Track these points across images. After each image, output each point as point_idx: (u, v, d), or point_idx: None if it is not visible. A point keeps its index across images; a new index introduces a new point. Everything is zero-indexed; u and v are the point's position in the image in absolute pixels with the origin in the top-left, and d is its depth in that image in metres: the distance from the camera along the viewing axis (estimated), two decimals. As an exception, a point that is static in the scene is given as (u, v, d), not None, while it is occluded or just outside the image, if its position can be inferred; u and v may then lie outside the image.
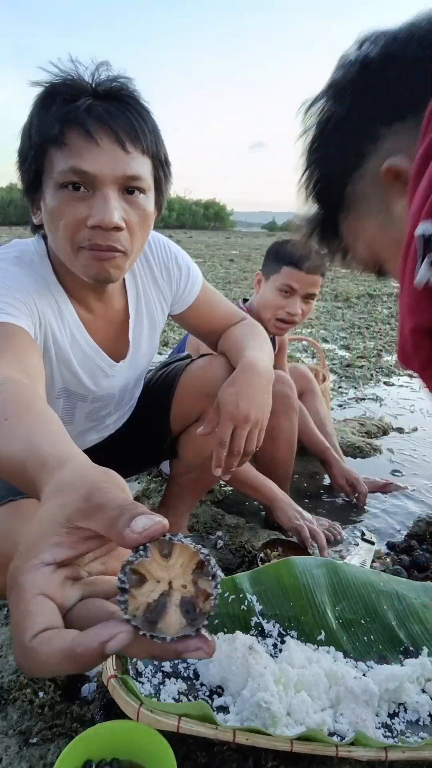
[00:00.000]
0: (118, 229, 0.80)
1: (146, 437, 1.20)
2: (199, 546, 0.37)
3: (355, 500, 1.82)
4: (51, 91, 0.79)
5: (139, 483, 1.81)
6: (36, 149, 0.79)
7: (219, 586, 0.36)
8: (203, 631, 0.36)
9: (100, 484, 0.39)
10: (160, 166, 0.87)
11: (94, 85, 0.80)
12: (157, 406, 1.18)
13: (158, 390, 1.21)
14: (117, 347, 1.07)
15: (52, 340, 0.94)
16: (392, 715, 0.94)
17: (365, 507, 1.81)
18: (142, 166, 0.81)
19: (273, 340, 1.89)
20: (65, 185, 0.78)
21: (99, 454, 1.15)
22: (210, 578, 0.37)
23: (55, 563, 0.36)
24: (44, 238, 0.94)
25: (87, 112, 0.76)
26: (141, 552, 0.36)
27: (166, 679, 0.93)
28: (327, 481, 1.97)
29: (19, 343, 0.76)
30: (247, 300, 1.84)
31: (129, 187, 0.81)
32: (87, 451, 1.02)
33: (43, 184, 0.81)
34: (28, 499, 0.79)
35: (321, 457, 1.89)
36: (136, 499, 1.73)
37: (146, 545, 0.36)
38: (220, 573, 0.37)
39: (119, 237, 0.82)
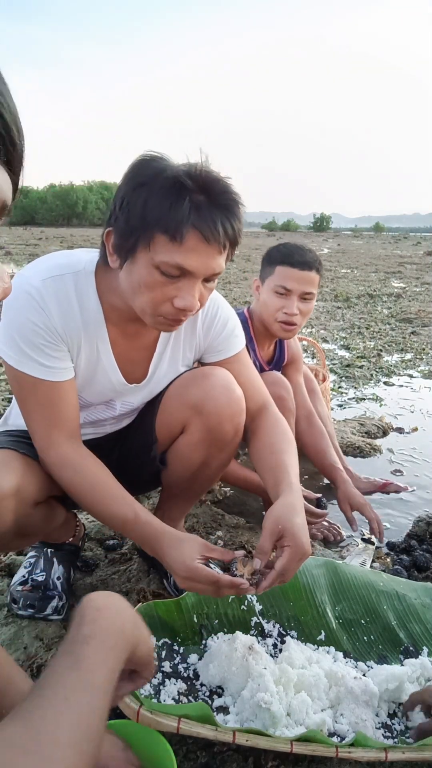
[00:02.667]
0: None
1: (135, 441, 1.21)
2: (251, 557, 0.92)
3: (364, 532, 1.60)
4: (178, 185, 0.85)
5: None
6: (146, 229, 0.86)
7: (259, 565, 0.90)
8: (257, 582, 0.89)
9: (204, 542, 0.95)
10: (233, 251, 0.96)
11: (210, 185, 0.87)
12: (146, 410, 1.20)
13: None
14: (135, 370, 1.10)
15: (74, 354, 1.00)
16: (392, 716, 0.94)
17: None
18: (225, 261, 0.94)
19: (282, 346, 1.88)
20: (162, 270, 0.87)
21: (95, 451, 1.15)
22: (254, 564, 0.91)
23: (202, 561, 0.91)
24: (100, 251, 0.99)
25: (209, 221, 0.86)
26: (235, 561, 0.93)
27: (166, 680, 0.93)
28: (327, 481, 1.98)
29: (63, 403, 0.98)
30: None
31: (209, 277, 0.93)
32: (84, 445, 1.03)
33: (138, 251, 0.88)
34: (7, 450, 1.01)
35: (328, 476, 1.76)
36: (136, 500, 1.73)
37: (235, 559, 0.93)
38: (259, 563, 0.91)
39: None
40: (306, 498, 1.51)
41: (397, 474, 2.09)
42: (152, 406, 1.18)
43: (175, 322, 0.95)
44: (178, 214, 0.84)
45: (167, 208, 0.84)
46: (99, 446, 1.17)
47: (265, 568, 0.90)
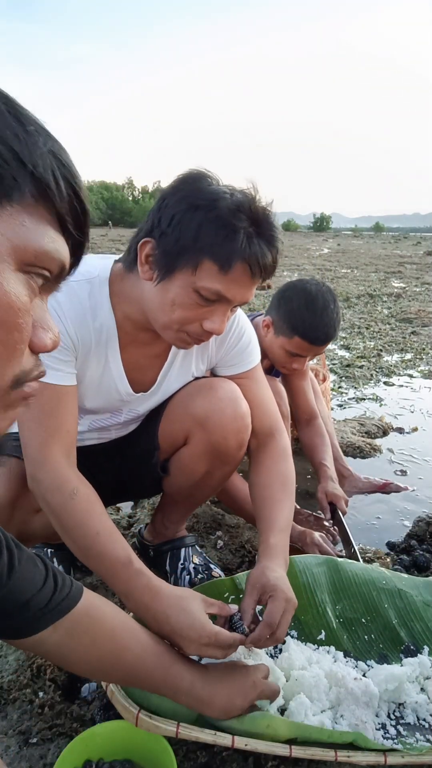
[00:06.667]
0: None
1: (138, 446, 1.20)
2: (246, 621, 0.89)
3: (329, 516, 1.60)
4: (236, 217, 0.85)
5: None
6: (196, 253, 0.86)
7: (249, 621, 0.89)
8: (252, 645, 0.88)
9: (202, 596, 0.87)
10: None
11: (261, 219, 0.88)
12: (151, 416, 1.18)
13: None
14: (143, 379, 1.08)
15: (81, 362, 0.99)
16: (391, 716, 0.94)
17: (366, 506, 1.81)
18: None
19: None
20: (201, 294, 0.88)
21: (98, 456, 1.14)
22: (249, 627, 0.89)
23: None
24: (125, 257, 0.98)
25: (258, 254, 0.87)
26: (236, 616, 0.89)
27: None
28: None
29: (64, 411, 0.94)
30: (255, 318, 1.79)
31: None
32: (86, 450, 1.02)
33: (181, 271, 0.88)
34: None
35: (316, 472, 1.77)
36: (137, 501, 1.73)
37: (235, 615, 0.89)
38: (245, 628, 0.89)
39: None
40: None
41: (400, 474, 2.09)
42: (157, 412, 1.16)
43: (195, 342, 0.95)
44: (233, 246, 0.85)
45: (222, 237, 0.84)
46: (103, 451, 1.16)
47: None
